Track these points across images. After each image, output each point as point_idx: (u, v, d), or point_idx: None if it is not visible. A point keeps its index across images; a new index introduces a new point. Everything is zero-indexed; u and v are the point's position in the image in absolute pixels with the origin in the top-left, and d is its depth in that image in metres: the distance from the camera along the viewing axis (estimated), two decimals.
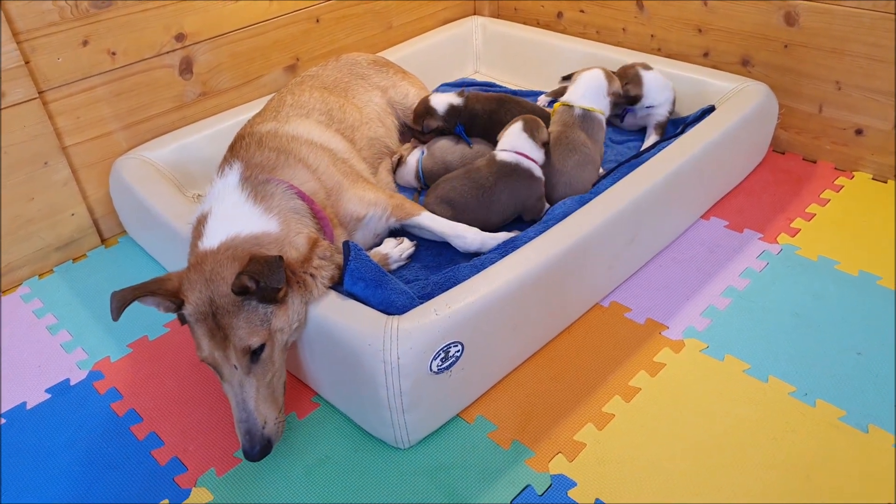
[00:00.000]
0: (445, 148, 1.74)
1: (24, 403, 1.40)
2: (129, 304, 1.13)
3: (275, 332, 1.14)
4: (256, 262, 1.08)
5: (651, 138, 1.90)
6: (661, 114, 1.89)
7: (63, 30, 1.64)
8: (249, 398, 1.12)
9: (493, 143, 1.68)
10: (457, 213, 1.53)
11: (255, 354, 1.12)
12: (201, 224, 1.25)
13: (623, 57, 2.06)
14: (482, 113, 1.74)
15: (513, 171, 1.54)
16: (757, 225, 1.72)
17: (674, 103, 1.90)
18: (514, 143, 1.56)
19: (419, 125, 1.76)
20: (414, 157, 1.76)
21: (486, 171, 1.55)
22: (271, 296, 1.12)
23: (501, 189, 1.53)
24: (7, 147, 1.63)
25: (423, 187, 1.77)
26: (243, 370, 1.12)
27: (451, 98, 1.74)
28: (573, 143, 1.63)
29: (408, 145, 1.84)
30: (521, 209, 1.58)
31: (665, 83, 1.88)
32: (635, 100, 1.84)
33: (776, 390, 1.28)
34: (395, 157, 1.77)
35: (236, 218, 1.23)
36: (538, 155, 1.57)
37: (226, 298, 1.10)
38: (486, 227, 1.53)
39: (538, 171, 1.57)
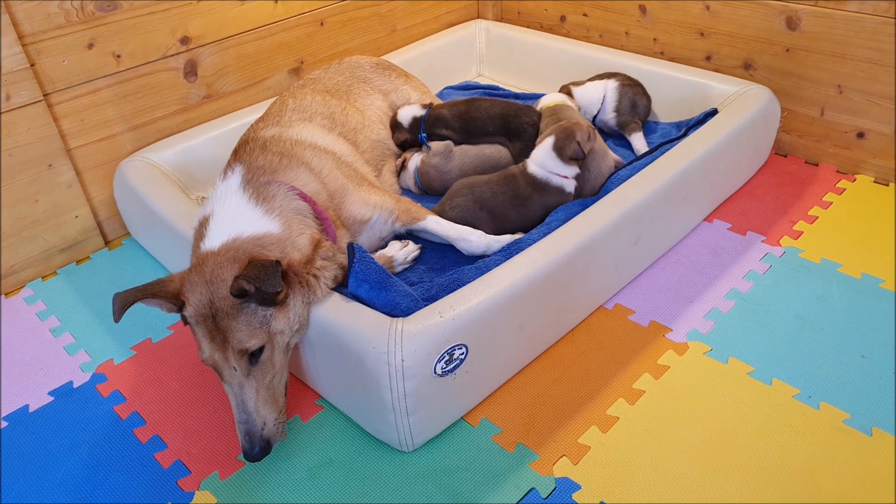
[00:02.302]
0: (438, 153, 1.76)
1: (27, 406, 1.40)
2: (130, 306, 1.14)
3: (275, 335, 1.15)
4: (253, 266, 1.08)
5: (634, 139, 1.89)
6: (610, 119, 1.91)
7: (68, 32, 1.65)
8: (249, 399, 1.12)
9: (479, 139, 1.76)
10: (494, 220, 1.54)
11: (254, 356, 1.12)
12: (203, 226, 1.25)
13: (626, 60, 2.07)
14: (452, 117, 1.79)
15: (544, 187, 1.56)
16: (760, 227, 1.72)
17: (623, 102, 1.90)
18: (543, 161, 1.56)
19: (392, 138, 1.83)
20: (413, 163, 1.77)
21: (523, 181, 1.56)
22: (270, 298, 1.12)
23: (536, 200, 1.56)
24: (12, 149, 1.63)
25: (422, 193, 1.77)
26: (242, 372, 1.12)
27: (415, 111, 1.81)
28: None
29: (412, 149, 1.85)
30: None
31: (596, 88, 1.92)
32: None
33: (780, 393, 1.28)
34: (400, 161, 1.78)
35: (238, 219, 1.23)
36: (568, 171, 1.56)
37: (225, 301, 1.11)
38: (518, 229, 1.56)
39: (569, 187, 1.57)
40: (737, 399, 1.28)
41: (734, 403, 1.27)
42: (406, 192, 1.82)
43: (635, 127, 1.90)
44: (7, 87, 1.57)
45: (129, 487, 1.21)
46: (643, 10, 2.17)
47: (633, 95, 1.92)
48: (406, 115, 1.81)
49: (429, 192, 1.76)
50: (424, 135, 1.79)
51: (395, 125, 1.82)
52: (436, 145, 1.73)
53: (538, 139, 1.65)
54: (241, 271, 1.09)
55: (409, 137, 1.81)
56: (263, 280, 1.07)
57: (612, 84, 1.92)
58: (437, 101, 2.02)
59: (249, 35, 1.99)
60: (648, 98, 1.97)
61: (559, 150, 1.54)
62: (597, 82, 1.94)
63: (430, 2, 2.43)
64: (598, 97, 1.91)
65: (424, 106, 1.83)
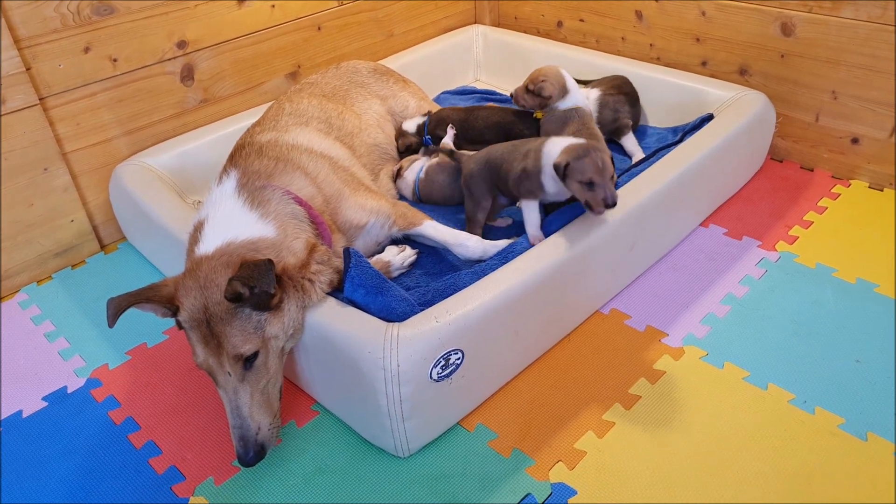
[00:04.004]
0: (440, 168, 1.77)
1: (21, 411, 1.39)
2: (124, 311, 1.14)
3: (269, 340, 1.14)
4: (246, 266, 1.08)
5: (625, 141, 1.88)
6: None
7: (65, 36, 1.65)
8: (244, 404, 1.12)
9: (478, 146, 1.76)
10: (495, 176, 1.47)
11: (248, 361, 1.12)
12: (198, 231, 1.25)
13: (622, 66, 2.08)
14: (452, 120, 1.86)
15: (531, 167, 1.41)
16: (755, 232, 1.72)
17: (604, 114, 1.87)
18: (550, 155, 1.39)
19: (398, 145, 1.90)
20: (412, 175, 1.76)
21: (521, 154, 1.44)
22: (265, 302, 1.12)
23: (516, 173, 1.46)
24: (7, 153, 1.63)
25: (419, 202, 1.78)
26: (237, 377, 1.12)
27: (418, 119, 1.91)
28: (602, 140, 1.63)
29: (409, 158, 1.85)
30: None
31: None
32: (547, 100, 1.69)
33: (775, 398, 1.29)
34: (395, 168, 1.79)
35: (232, 224, 1.23)
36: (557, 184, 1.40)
37: (219, 306, 1.11)
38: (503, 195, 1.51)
39: (550, 188, 1.42)
40: (732, 404, 1.28)
41: (730, 408, 1.27)
42: (402, 197, 1.81)
43: (625, 130, 1.89)
44: (3, 90, 1.57)
45: (124, 493, 1.20)
46: (639, 15, 2.18)
47: (615, 104, 1.89)
48: (411, 124, 1.90)
49: (428, 202, 1.76)
50: (429, 137, 1.87)
51: (399, 133, 1.89)
52: (443, 160, 1.75)
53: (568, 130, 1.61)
54: (235, 273, 1.09)
55: (416, 140, 1.88)
56: (258, 279, 1.07)
57: (593, 94, 1.90)
58: (436, 107, 2.03)
59: (246, 39, 1.99)
60: (633, 104, 1.93)
61: (558, 170, 1.35)
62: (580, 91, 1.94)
63: (428, 7, 2.44)
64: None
65: (424, 114, 1.91)
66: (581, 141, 1.37)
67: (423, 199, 1.76)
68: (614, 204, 1.28)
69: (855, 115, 1.84)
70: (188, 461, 1.25)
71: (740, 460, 1.18)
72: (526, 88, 1.71)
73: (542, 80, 1.67)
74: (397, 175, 1.80)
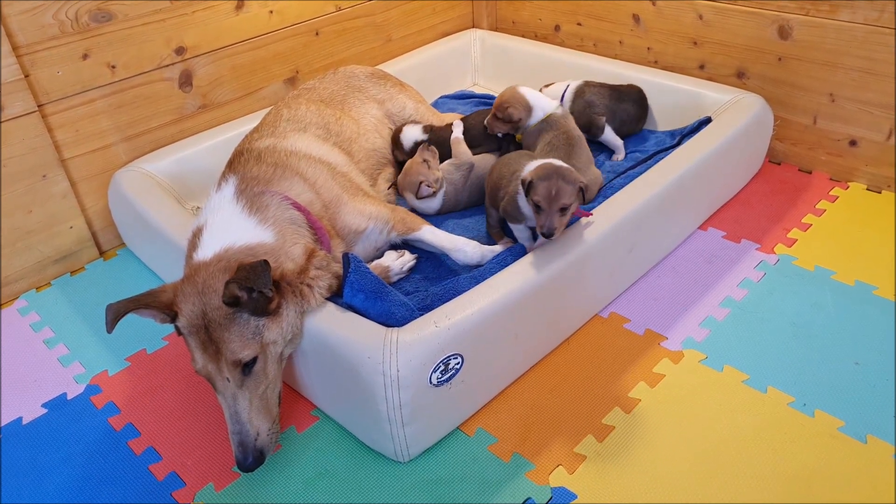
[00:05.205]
0: (454, 168, 1.77)
1: (21, 418, 1.39)
2: (123, 317, 1.14)
3: (267, 345, 1.14)
4: (243, 269, 1.09)
5: (604, 139, 1.88)
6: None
7: (63, 43, 1.65)
8: (242, 410, 1.12)
9: (474, 150, 1.77)
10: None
11: (247, 367, 1.12)
12: (197, 236, 1.25)
13: (620, 69, 2.09)
14: (446, 136, 1.82)
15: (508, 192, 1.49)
16: (754, 235, 1.73)
17: (576, 103, 1.88)
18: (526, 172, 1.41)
19: (392, 154, 1.87)
20: (439, 195, 1.72)
21: (506, 180, 1.47)
22: (263, 307, 1.12)
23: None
24: (6, 160, 1.63)
25: (438, 213, 1.76)
26: (236, 383, 1.12)
27: (417, 134, 1.83)
28: (579, 140, 1.64)
29: (438, 176, 1.74)
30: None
31: (558, 88, 1.92)
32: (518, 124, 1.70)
33: (775, 401, 1.29)
34: (429, 191, 1.67)
35: (231, 229, 1.23)
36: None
37: (218, 311, 1.11)
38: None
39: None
40: (732, 407, 1.28)
41: (729, 411, 1.27)
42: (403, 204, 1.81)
43: (596, 132, 1.86)
44: (1, 97, 1.57)
45: (124, 500, 1.20)
46: (637, 19, 2.18)
47: (591, 96, 1.88)
48: (409, 137, 1.83)
49: (454, 209, 1.74)
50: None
51: (396, 143, 1.84)
52: (457, 160, 1.74)
53: (541, 147, 1.63)
54: (231, 276, 1.09)
55: (406, 158, 1.83)
56: (254, 280, 1.07)
57: (573, 84, 1.91)
58: (433, 111, 2.03)
59: (244, 45, 1.99)
60: (620, 100, 1.90)
61: (523, 185, 1.35)
62: (562, 82, 1.95)
63: (425, 11, 2.45)
64: (558, 97, 1.91)
65: (426, 129, 1.85)
66: (556, 163, 1.35)
67: (449, 209, 1.73)
68: (549, 235, 1.28)
69: (853, 117, 1.85)
70: (188, 467, 1.25)
71: (740, 463, 1.18)
72: (495, 116, 1.72)
73: (507, 107, 1.69)
74: (427, 194, 1.68)
